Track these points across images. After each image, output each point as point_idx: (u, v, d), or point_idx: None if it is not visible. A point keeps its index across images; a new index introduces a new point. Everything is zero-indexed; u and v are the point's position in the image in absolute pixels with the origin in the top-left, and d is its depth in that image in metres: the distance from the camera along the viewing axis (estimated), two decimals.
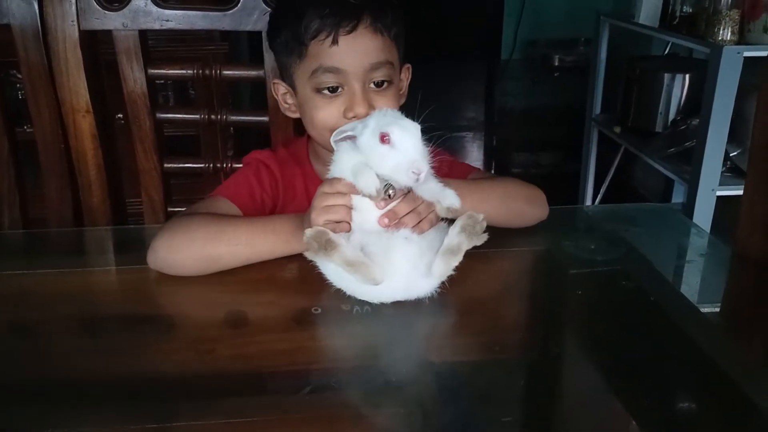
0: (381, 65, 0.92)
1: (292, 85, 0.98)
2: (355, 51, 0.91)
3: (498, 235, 0.88)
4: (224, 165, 1.27)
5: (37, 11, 1.15)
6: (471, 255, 0.82)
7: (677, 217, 1.19)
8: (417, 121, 0.80)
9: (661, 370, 0.73)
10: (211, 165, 1.28)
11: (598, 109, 2.68)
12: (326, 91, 0.93)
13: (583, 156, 2.79)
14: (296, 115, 1.02)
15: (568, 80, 4.08)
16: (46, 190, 1.25)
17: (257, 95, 1.34)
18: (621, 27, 2.47)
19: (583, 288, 0.91)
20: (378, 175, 0.78)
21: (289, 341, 0.79)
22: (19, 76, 1.22)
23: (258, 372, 0.74)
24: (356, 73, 0.91)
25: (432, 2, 4.39)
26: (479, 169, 1.10)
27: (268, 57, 1.14)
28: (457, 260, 0.81)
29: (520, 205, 0.99)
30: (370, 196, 0.79)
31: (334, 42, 0.90)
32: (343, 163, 0.82)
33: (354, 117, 0.90)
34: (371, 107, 0.90)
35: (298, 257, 0.86)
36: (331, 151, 0.86)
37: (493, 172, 3.55)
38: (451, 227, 0.82)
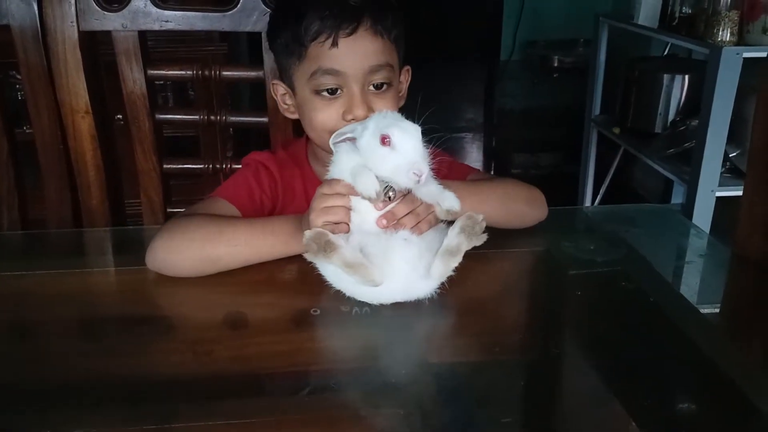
0: (380, 68, 0.92)
1: (291, 86, 0.98)
2: (355, 53, 0.91)
3: (498, 235, 0.88)
4: (223, 166, 1.27)
5: (37, 12, 1.15)
6: (471, 256, 0.82)
7: (677, 217, 1.19)
8: (417, 123, 0.80)
9: (661, 370, 0.73)
10: (211, 166, 1.28)
11: (597, 110, 2.68)
12: (325, 93, 0.93)
13: (582, 157, 2.79)
14: (295, 116, 1.02)
15: (567, 81, 4.08)
16: (45, 191, 1.25)
17: (256, 96, 1.34)
18: (620, 28, 2.47)
19: (583, 289, 0.91)
20: (378, 177, 0.78)
21: (288, 342, 0.79)
22: (19, 77, 1.22)
23: (257, 373, 0.74)
24: (356, 76, 0.91)
25: (431, 3, 4.39)
26: (479, 170, 1.10)
27: (268, 58, 1.15)
28: (456, 261, 0.81)
29: (520, 206, 0.99)
30: (369, 199, 0.79)
31: (334, 44, 0.90)
32: (343, 165, 0.82)
33: (353, 119, 0.90)
34: (370, 110, 0.90)
35: (298, 258, 0.86)
36: (330, 152, 0.86)
37: (492, 173, 3.55)
38: (451, 228, 0.82)
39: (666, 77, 2.26)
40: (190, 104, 2.32)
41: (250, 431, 0.65)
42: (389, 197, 0.79)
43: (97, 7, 1.16)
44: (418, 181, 0.77)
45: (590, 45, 2.77)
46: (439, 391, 0.71)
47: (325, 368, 0.76)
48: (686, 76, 2.24)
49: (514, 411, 0.70)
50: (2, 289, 0.92)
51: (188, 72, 1.22)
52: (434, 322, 0.84)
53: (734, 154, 1.96)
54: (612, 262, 0.94)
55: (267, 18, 1.08)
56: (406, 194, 0.81)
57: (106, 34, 1.18)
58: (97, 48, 1.22)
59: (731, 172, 1.98)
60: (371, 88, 0.93)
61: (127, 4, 1.16)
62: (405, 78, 1.02)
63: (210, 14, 1.19)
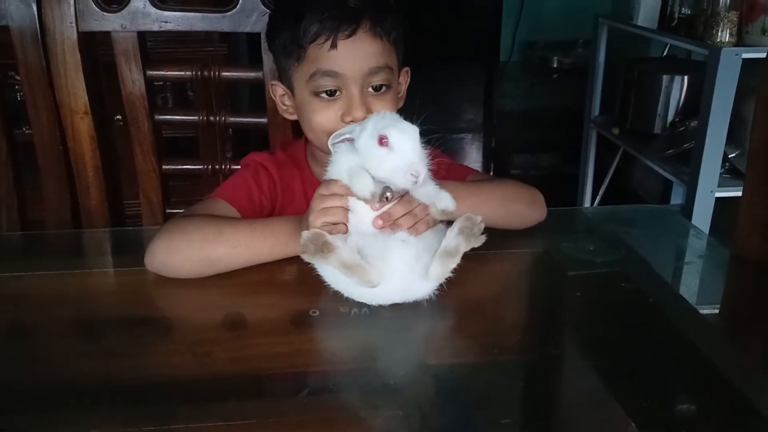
0: (380, 70, 0.92)
1: (290, 88, 0.98)
2: (354, 55, 0.91)
3: (497, 236, 0.88)
4: (223, 167, 1.27)
5: (36, 13, 1.15)
6: (470, 257, 0.82)
7: (676, 218, 1.19)
8: (416, 124, 0.80)
9: (661, 371, 0.73)
10: (210, 166, 1.27)
11: (596, 110, 2.68)
12: (324, 95, 0.92)
13: (581, 158, 2.79)
14: (294, 117, 1.02)
15: (566, 82, 4.09)
16: (44, 191, 1.25)
17: (256, 97, 1.34)
18: (619, 29, 2.47)
19: (582, 289, 0.91)
20: (376, 178, 0.78)
21: (287, 344, 0.79)
22: (18, 77, 1.22)
23: (256, 374, 0.74)
24: (355, 78, 0.91)
25: (431, 5, 4.39)
26: (478, 171, 1.10)
27: (267, 58, 1.14)
28: (454, 262, 0.81)
29: (520, 206, 0.99)
30: (365, 200, 0.79)
31: (333, 46, 0.90)
32: (340, 165, 0.82)
33: (352, 121, 0.90)
34: (369, 111, 0.90)
35: (297, 259, 0.86)
36: (329, 153, 0.86)
37: (492, 173, 3.55)
38: (449, 229, 0.82)
39: (665, 78, 2.26)
40: (190, 105, 2.33)
41: None
42: (386, 198, 0.79)
43: (96, 8, 1.16)
44: (416, 182, 0.77)
45: (589, 46, 2.77)
46: (438, 392, 0.70)
47: (324, 369, 0.76)
48: (685, 77, 2.24)
49: (514, 412, 0.69)
50: (1, 289, 0.92)
51: (187, 73, 1.22)
52: (433, 323, 0.84)
53: (733, 154, 1.96)
54: (611, 263, 0.94)
55: (266, 18, 1.08)
56: (404, 195, 0.80)
57: (106, 35, 1.18)
58: (96, 49, 1.22)
59: (730, 172, 1.98)
60: (370, 89, 0.93)
61: (126, 5, 1.16)
62: (404, 79, 1.02)
63: (209, 15, 1.19)
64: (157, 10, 1.17)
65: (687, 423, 0.68)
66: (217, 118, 1.25)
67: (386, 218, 0.80)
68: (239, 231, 0.89)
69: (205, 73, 1.21)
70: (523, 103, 4.39)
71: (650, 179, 2.90)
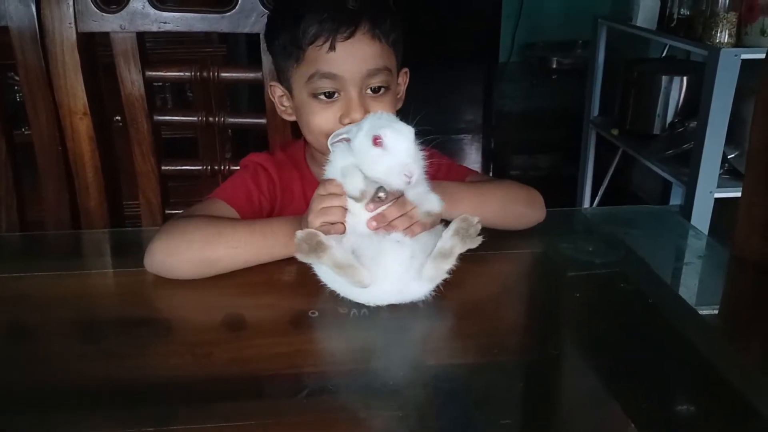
0: (378, 71, 0.92)
1: (288, 89, 0.98)
2: (353, 57, 0.90)
3: (496, 237, 0.88)
4: (222, 167, 1.27)
5: (35, 13, 1.15)
6: (469, 257, 0.82)
7: (675, 219, 1.19)
8: (412, 124, 0.80)
9: (660, 372, 0.73)
10: (209, 167, 1.27)
11: (596, 111, 2.68)
12: (323, 97, 0.92)
13: (581, 158, 2.79)
14: (293, 118, 1.02)
15: (566, 83, 4.09)
16: (43, 192, 1.25)
17: (255, 98, 1.34)
18: (618, 30, 2.47)
19: (582, 290, 0.91)
20: (370, 178, 0.78)
21: (286, 344, 0.78)
22: (17, 78, 1.22)
23: (255, 375, 0.74)
24: (353, 79, 0.91)
25: (430, 6, 4.39)
26: (477, 171, 1.10)
27: (266, 59, 1.14)
28: (449, 264, 0.80)
29: (520, 207, 0.99)
30: (355, 198, 0.79)
31: (332, 48, 0.90)
32: (337, 164, 0.82)
33: (350, 123, 0.90)
34: (367, 113, 0.90)
35: (296, 260, 0.85)
36: (327, 155, 0.86)
37: (491, 174, 3.55)
38: (445, 230, 0.82)
39: (664, 79, 2.26)
40: (189, 106, 2.32)
41: None
42: (379, 198, 0.79)
43: (95, 9, 1.16)
44: (409, 182, 0.77)
45: (589, 46, 2.77)
46: (438, 392, 0.70)
47: (323, 370, 0.75)
48: (684, 78, 2.24)
49: (513, 413, 0.69)
50: (1, 290, 0.92)
51: (187, 73, 1.22)
52: (432, 323, 0.84)
53: (733, 155, 1.96)
54: (611, 264, 0.94)
55: (265, 19, 1.08)
56: (399, 196, 0.80)
57: (105, 36, 1.18)
58: (95, 49, 1.22)
59: (730, 173, 1.98)
60: (369, 91, 0.93)
61: (125, 6, 1.16)
62: (403, 80, 1.02)
63: (208, 15, 1.19)
64: (156, 11, 1.17)
65: (686, 423, 0.68)
66: (217, 119, 1.25)
67: (380, 219, 0.80)
68: (239, 231, 0.89)
69: (204, 74, 1.21)
70: (522, 103, 4.39)
71: (649, 180, 2.90)
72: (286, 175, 1.03)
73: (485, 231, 0.82)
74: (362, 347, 0.79)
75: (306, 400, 0.68)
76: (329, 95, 0.92)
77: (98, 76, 1.24)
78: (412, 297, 0.82)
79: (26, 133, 1.25)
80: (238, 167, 1.07)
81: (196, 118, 1.26)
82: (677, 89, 2.25)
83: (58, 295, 0.90)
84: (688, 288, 0.95)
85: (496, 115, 4.30)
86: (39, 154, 1.23)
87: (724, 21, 1.87)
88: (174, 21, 1.19)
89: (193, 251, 0.88)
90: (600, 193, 2.80)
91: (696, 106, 2.00)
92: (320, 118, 0.93)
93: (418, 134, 0.79)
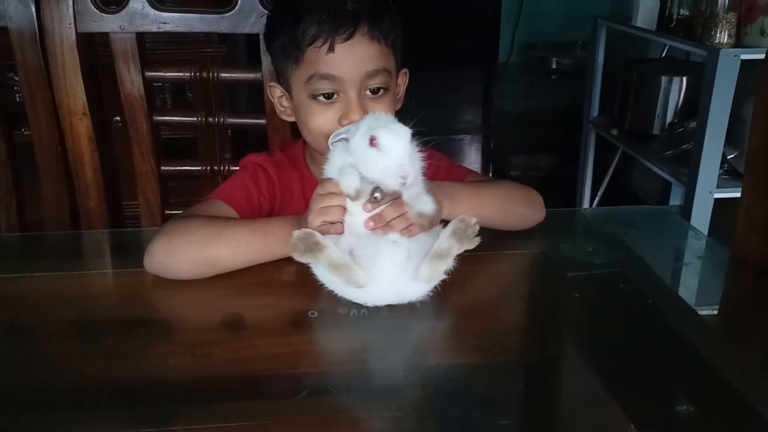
0: (377, 73, 0.92)
1: (288, 89, 0.98)
2: (352, 59, 0.90)
3: (496, 237, 0.88)
4: (221, 168, 1.27)
5: (35, 14, 1.14)
6: (469, 258, 0.82)
7: (675, 219, 1.19)
8: (410, 125, 0.80)
9: (659, 372, 0.73)
10: (209, 168, 1.27)
11: (595, 111, 2.68)
12: (322, 98, 0.92)
13: (580, 159, 2.79)
14: (292, 119, 1.01)
15: (565, 83, 4.09)
16: (43, 193, 1.25)
17: (254, 98, 1.34)
18: (618, 30, 2.47)
19: (581, 290, 0.91)
20: (367, 178, 0.78)
21: (286, 345, 0.78)
22: (17, 78, 1.22)
23: (255, 376, 0.74)
24: (352, 81, 0.91)
25: (430, 6, 4.39)
26: (476, 172, 1.10)
27: (266, 60, 1.14)
28: (445, 265, 0.80)
29: (520, 208, 0.99)
30: (350, 197, 0.79)
31: (331, 49, 0.90)
32: (336, 163, 0.82)
33: (349, 124, 0.90)
34: (366, 114, 0.90)
35: (296, 260, 0.86)
36: (327, 155, 0.86)
37: (491, 175, 3.55)
38: (443, 231, 0.82)
39: (664, 79, 2.26)
40: (188, 106, 2.32)
41: None
42: (375, 198, 0.79)
43: (94, 9, 1.16)
44: (404, 184, 0.77)
45: (588, 47, 2.77)
46: (438, 393, 0.70)
47: (323, 371, 0.75)
48: (684, 78, 2.24)
49: (513, 413, 0.69)
50: (0, 290, 0.92)
51: (186, 74, 1.22)
52: (432, 324, 0.84)
53: (732, 155, 1.96)
54: (610, 264, 0.94)
55: (265, 20, 1.08)
56: (397, 197, 0.80)
57: (104, 36, 1.18)
58: (94, 50, 1.22)
59: (729, 173, 1.98)
60: (368, 92, 0.92)
61: (124, 6, 1.16)
62: (402, 81, 1.02)
63: (208, 16, 1.19)
64: (156, 11, 1.17)
65: (686, 424, 0.68)
66: (216, 119, 1.25)
67: (378, 220, 0.80)
68: (239, 231, 0.89)
69: (204, 74, 1.21)
70: (521, 104, 4.39)
71: (649, 180, 2.90)
72: (285, 175, 1.03)
73: (485, 231, 0.82)
74: (362, 347, 0.79)
75: (306, 400, 0.68)
76: (328, 96, 0.92)
77: (98, 76, 1.24)
78: (410, 297, 0.82)
79: (26, 133, 1.25)
80: (238, 167, 1.07)
81: (195, 119, 1.26)
82: (677, 89, 2.25)
83: (57, 295, 0.90)
84: (688, 288, 0.95)
85: (495, 116, 4.30)
86: (38, 154, 1.23)
87: (724, 21, 1.88)
88: (173, 21, 1.19)
89: (193, 251, 0.88)
90: (599, 193, 2.80)
91: (695, 106, 2.00)
92: (319, 119, 0.93)
93: (416, 135, 0.79)
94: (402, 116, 0.84)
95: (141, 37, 1.19)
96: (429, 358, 0.79)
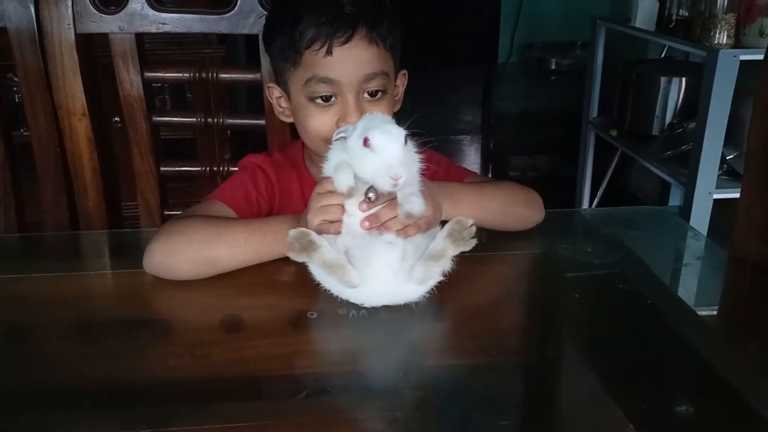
0: (375, 76, 0.92)
1: (286, 91, 0.98)
2: (350, 62, 0.90)
3: (495, 238, 0.88)
4: (221, 168, 1.27)
5: (34, 14, 1.14)
6: (468, 258, 0.82)
7: (674, 220, 1.19)
8: (408, 126, 0.79)
9: (659, 372, 0.73)
10: (208, 168, 1.27)
11: (594, 112, 2.68)
12: (320, 100, 0.92)
13: (580, 159, 2.79)
14: (290, 120, 1.01)
15: (564, 84, 4.09)
16: (42, 193, 1.25)
17: (254, 99, 1.34)
18: (617, 31, 2.48)
19: (581, 291, 0.91)
20: (361, 178, 0.78)
21: (285, 345, 0.78)
22: (16, 79, 1.22)
23: (254, 376, 0.74)
24: (350, 84, 0.91)
25: (429, 6, 4.39)
26: (475, 173, 1.10)
27: (265, 60, 1.14)
28: (440, 266, 0.80)
29: (519, 208, 0.99)
30: (342, 194, 0.79)
31: (329, 52, 0.89)
32: (333, 161, 0.82)
33: None
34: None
35: (295, 261, 0.86)
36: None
37: (490, 175, 3.55)
38: (439, 232, 0.82)
39: (663, 80, 2.26)
40: (188, 107, 2.32)
41: None
42: (369, 198, 0.79)
43: (93, 10, 1.16)
44: (395, 185, 0.77)
45: (587, 47, 2.78)
46: (437, 393, 0.70)
47: (322, 371, 0.75)
48: (683, 79, 2.24)
49: (512, 413, 0.69)
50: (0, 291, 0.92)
51: (185, 74, 1.22)
52: (431, 324, 0.84)
53: (731, 156, 1.96)
54: (609, 265, 0.94)
55: (264, 20, 1.08)
56: (393, 198, 0.80)
57: (103, 37, 1.18)
58: (94, 50, 1.22)
59: (728, 174, 1.98)
60: (366, 95, 0.92)
61: (124, 7, 1.16)
62: (401, 82, 1.01)
63: (207, 16, 1.19)
64: (155, 12, 1.17)
65: (685, 424, 0.68)
66: (215, 120, 1.25)
67: (373, 220, 0.80)
68: (238, 231, 0.89)
69: (203, 75, 1.21)
70: (521, 104, 4.39)
71: (648, 181, 2.90)
72: (284, 176, 1.03)
73: (483, 232, 0.82)
74: (361, 348, 0.79)
75: (305, 401, 0.68)
76: (326, 99, 0.92)
77: (97, 77, 1.24)
78: (407, 298, 0.82)
79: (25, 134, 1.25)
80: (237, 168, 1.07)
81: (194, 119, 1.26)
82: (676, 90, 2.25)
83: (57, 296, 0.90)
84: (687, 289, 0.95)
85: (495, 116, 4.30)
86: (37, 155, 1.23)
87: (723, 22, 1.88)
88: (173, 22, 1.19)
89: (193, 251, 0.88)
90: (599, 194, 2.80)
91: (695, 107, 2.00)
92: (317, 121, 0.93)
93: (415, 136, 0.79)
94: (401, 117, 0.84)
95: (140, 37, 1.19)
96: (428, 358, 0.79)
